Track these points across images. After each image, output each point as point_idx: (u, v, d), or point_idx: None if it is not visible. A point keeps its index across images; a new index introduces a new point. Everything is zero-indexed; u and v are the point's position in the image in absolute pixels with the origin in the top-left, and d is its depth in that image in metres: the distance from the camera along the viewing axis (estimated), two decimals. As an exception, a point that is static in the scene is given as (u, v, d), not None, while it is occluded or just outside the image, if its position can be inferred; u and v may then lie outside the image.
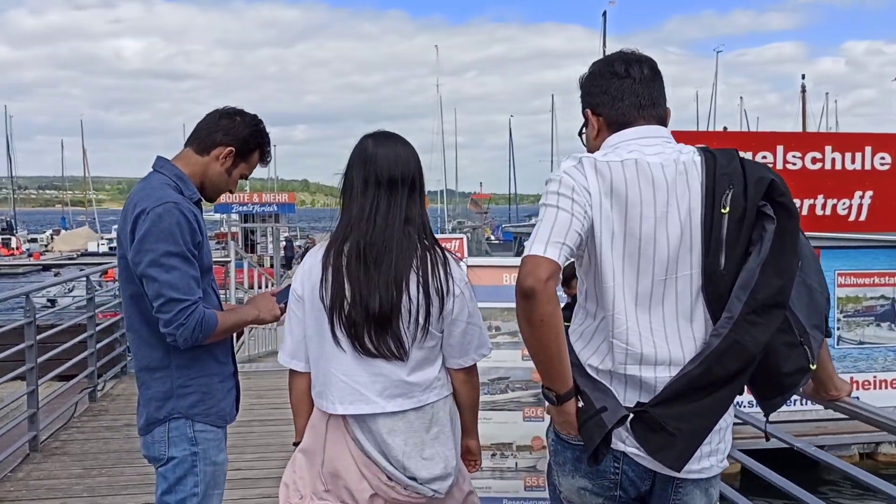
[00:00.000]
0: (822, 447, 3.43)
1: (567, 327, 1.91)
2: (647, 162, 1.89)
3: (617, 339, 1.89)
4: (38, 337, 5.38)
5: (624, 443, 1.91)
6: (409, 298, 2.12)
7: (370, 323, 2.12)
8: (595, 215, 1.86)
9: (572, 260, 1.96)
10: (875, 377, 8.92)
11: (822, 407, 2.34)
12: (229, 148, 2.57)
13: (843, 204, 8.60)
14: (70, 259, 35.10)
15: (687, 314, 1.90)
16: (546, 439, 2.12)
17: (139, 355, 2.52)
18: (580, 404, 1.88)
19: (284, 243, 33.88)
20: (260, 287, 12.89)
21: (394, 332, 2.13)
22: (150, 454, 2.53)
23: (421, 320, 2.13)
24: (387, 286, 2.11)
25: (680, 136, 2.03)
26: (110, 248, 45.22)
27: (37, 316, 5.38)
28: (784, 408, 2.12)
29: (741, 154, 1.94)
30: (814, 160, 8.60)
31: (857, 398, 2.38)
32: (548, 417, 3.28)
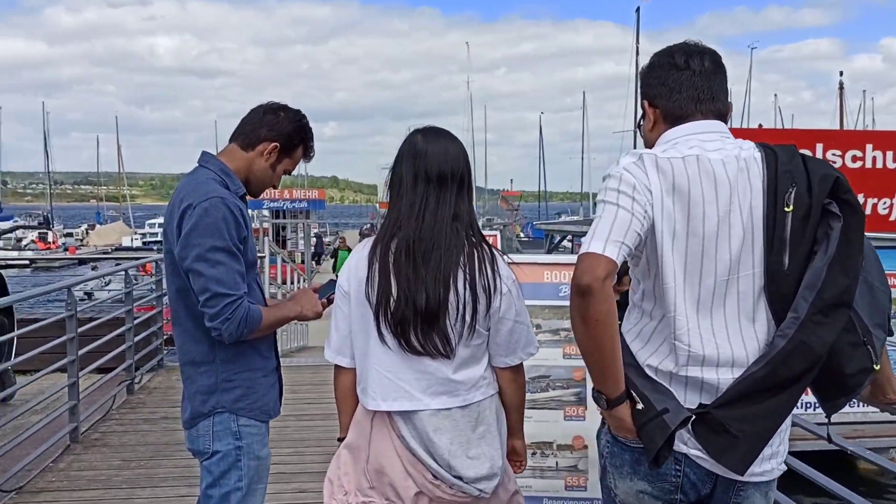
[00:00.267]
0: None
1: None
2: (709, 158, 1.85)
3: (679, 340, 1.86)
4: (79, 330, 5.45)
5: (686, 444, 1.87)
6: (457, 295, 2.10)
7: (417, 320, 2.10)
8: (656, 215, 1.82)
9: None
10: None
11: (858, 409, 2.28)
12: (274, 143, 2.57)
13: (884, 203, 8.41)
14: (104, 253, 35.63)
15: (749, 314, 1.86)
16: (598, 441, 2.09)
17: (184, 349, 2.53)
18: (639, 406, 1.84)
19: (314, 240, 34.08)
20: (292, 283, 12.98)
21: (440, 330, 2.11)
22: (194, 448, 2.54)
23: (468, 318, 2.11)
24: (434, 283, 2.09)
25: None
26: (143, 243, 45.88)
27: (77, 309, 5.46)
28: (818, 409, 2.07)
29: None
30: (854, 158, 8.40)
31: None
32: (588, 417, 3.26)
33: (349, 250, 23.57)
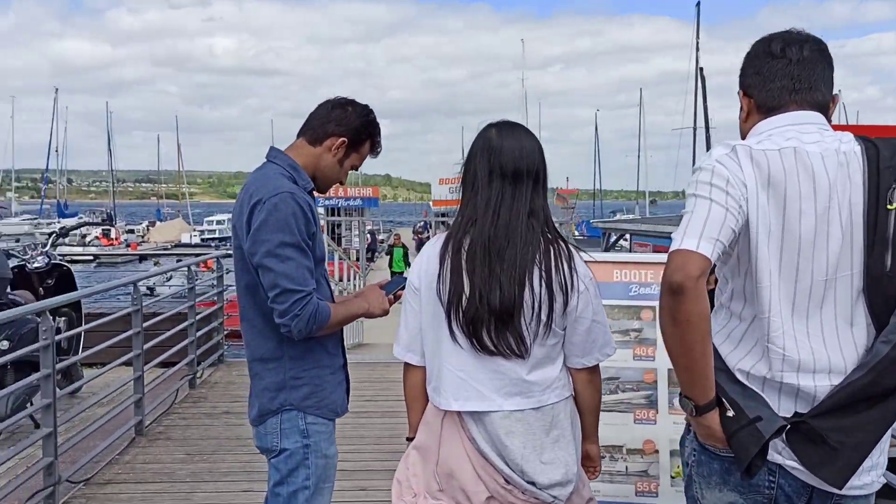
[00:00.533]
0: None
1: None
2: (807, 151, 1.74)
3: (773, 343, 1.75)
4: (144, 325, 5.54)
5: (780, 454, 1.77)
6: (532, 294, 2.03)
7: (490, 319, 2.04)
8: (751, 210, 1.73)
9: None
10: None
11: None
12: (342, 138, 2.54)
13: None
14: (165, 249, 36.49)
15: (847, 318, 1.75)
16: (682, 449, 1.99)
17: (252, 345, 2.51)
18: (730, 413, 1.74)
19: (368, 237, 34.36)
20: (348, 280, 13.06)
21: (515, 329, 2.04)
22: (262, 445, 2.53)
23: (543, 317, 2.04)
24: (509, 281, 2.02)
25: None
26: (202, 240, 46.87)
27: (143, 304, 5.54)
28: None
29: None
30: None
31: None
32: (659, 421, 3.15)
33: (404, 247, 23.66)
